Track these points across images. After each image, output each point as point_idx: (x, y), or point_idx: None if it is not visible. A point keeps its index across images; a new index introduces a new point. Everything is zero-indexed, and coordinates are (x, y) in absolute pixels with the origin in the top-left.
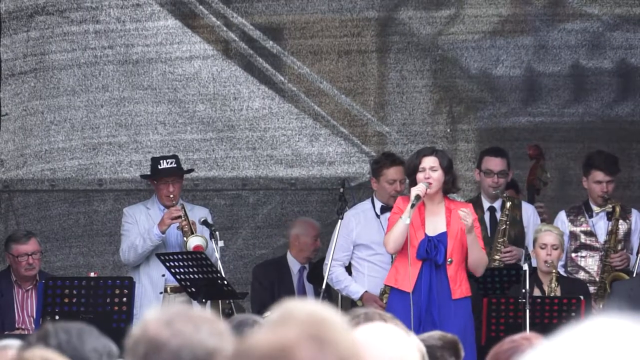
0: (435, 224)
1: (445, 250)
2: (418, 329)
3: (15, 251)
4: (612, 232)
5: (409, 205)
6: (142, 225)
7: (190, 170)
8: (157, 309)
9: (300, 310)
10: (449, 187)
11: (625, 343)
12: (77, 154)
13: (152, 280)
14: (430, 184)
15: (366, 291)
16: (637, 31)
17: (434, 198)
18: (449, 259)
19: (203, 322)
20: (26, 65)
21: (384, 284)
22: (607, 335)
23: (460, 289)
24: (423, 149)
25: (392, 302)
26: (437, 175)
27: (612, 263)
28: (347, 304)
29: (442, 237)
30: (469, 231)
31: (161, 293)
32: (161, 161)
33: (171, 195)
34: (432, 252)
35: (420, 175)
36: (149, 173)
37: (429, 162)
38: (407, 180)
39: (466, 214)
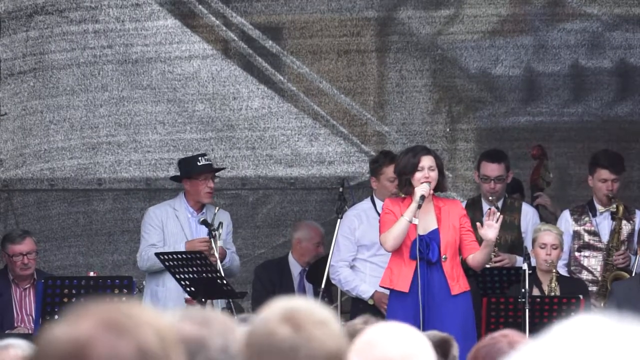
0: (426, 223)
1: (438, 247)
2: (418, 329)
3: (10, 251)
4: (615, 231)
5: (414, 204)
6: (170, 229)
7: (223, 168)
8: (177, 311)
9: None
10: (440, 185)
11: (610, 343)
12: (77, 154)
13: (178, 286)
14: (430, 182)
15: (376, 290)
16: (637, 31)
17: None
18: (444, 256)
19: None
20: (25, 64)
21: (380, 285)
22: (593, 335)
23: (458, 284)
24: (416, 147)
25: (392, 303)
26: (435, 175)
27: (615, 261)
28: (348, 304)
29: (433, 235)
30: (489, 244)
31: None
32: (199, 158)
33: (211, 191)
34: (424, 250)
35: (419, 175)
36: (175, 174)
37: (428, 161)
38: (397, 180)
39: (492, 228)
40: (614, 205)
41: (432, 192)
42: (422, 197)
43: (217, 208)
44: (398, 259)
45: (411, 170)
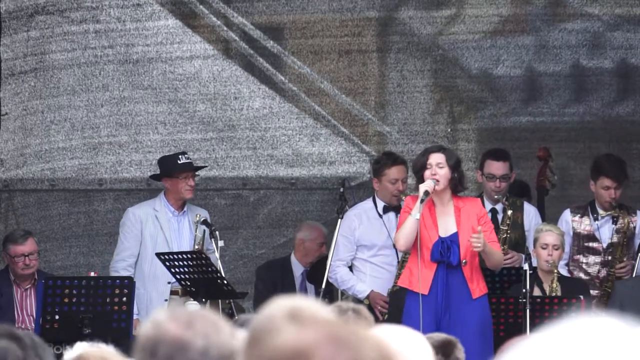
0: (447, 225)
1: (458, 250)
2: (437, 331)
3: (12, 251)
4: (619, 244)
5: (418, 201)
6: (149, 231)
7: (204, 167)
8: (164, 310)
9: (317, 311)
10: (456, 185)
11: (611, 343)
12: (77, 154)
13: (157, 288)
14: (437, 180)
15: (372, 290)
16: (637, 31)
17: (443, 198)
18: (464, 261)
19: (220, 323)
20: (26, 64)
21: (399, 285)
22: (593, 335)
23: (478, 287)
24: (431, 146)
25: (409, 304)
26: (444, 172)
27: (617, 274)
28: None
29: (454, 238)
30: (483, 249)
31: (166, 300)
32: (180, 156)
33: (192, 188)
34: (445, 253)
35: (427, 172)
36: (157, 172)
37: (436, 158)
38: (415, 179)
39: (477, 239)
40: (621, 218)
41: (453, 193)
42: (426, 193)
43: (198, 215)
44: (417, 259)
45: (421, 169)
